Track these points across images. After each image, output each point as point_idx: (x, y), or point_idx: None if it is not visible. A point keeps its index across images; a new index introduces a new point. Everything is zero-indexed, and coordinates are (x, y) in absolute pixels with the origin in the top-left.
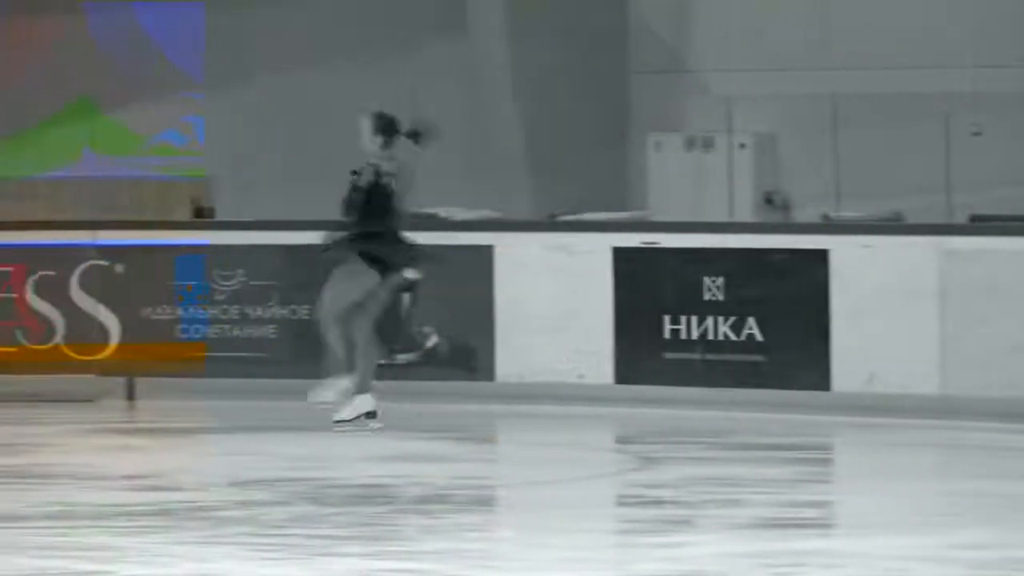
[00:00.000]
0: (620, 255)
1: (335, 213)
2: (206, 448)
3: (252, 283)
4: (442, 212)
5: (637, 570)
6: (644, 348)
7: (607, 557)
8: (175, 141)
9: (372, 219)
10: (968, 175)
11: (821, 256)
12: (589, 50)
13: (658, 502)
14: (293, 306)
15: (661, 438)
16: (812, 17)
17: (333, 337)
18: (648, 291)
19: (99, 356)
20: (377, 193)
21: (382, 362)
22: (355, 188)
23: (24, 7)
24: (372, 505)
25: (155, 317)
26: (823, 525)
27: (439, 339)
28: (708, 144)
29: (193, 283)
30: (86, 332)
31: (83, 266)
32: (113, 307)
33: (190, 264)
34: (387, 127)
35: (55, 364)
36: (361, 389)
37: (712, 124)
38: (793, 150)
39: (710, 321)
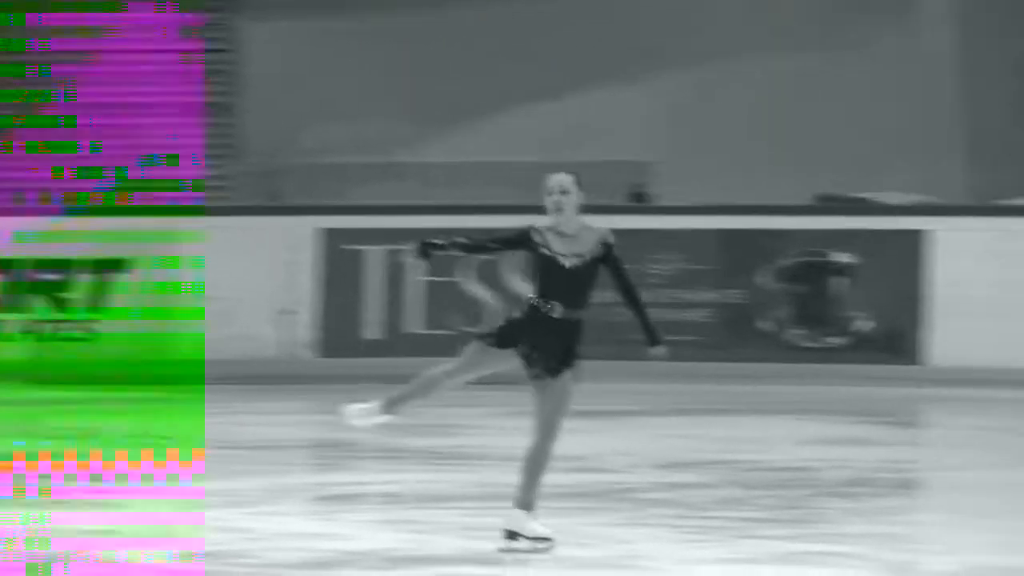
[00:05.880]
0: None
1: (774, 197)
2: (636, 430)
3: (688, 267)
4: (875, 197)
5: None
6: None
7: None
8: None
9: None
10: None
11: None
12: None
13: None
14: (725, 291)
15: None
16: None
17: None
18: None
19: None
20: None
21: (811, 345)
22: None
23: None
24: (797, 488)
25: None
26: None
27: (869, 322)
28: None
29: None
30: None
31: None
32: None
33: None
34: None
35: None
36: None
37: None
38: None
39: None
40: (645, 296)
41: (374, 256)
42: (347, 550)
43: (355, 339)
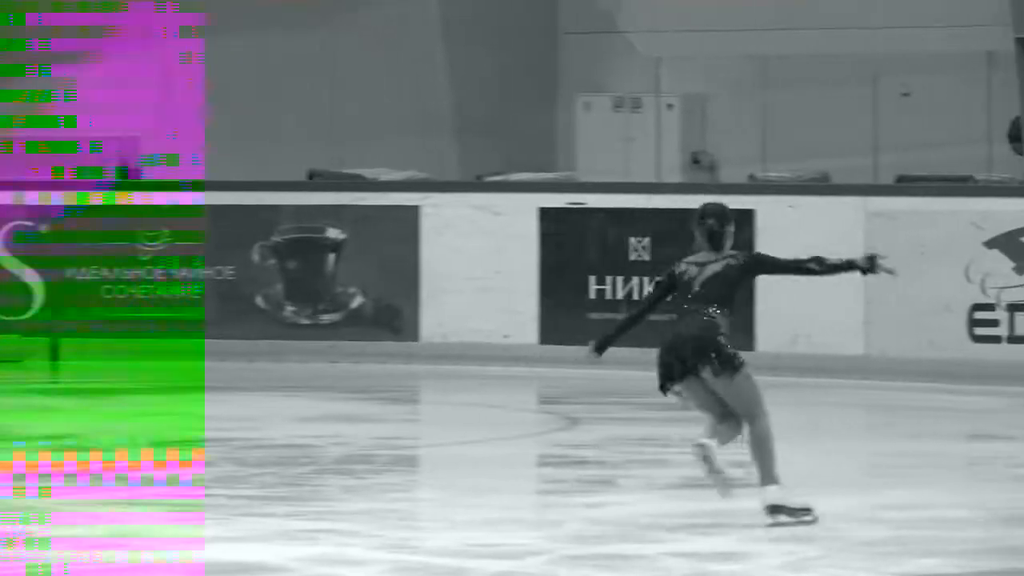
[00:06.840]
0: (546, 215)
1: (258, 174)
2: (128, 409)
3: (178, 244)
4: (368, 173)
5: (561, 530)
6: (569, 308)
7: (530, 517)
8: None
9: None
10: (895, 136)
11: (747, 216)
12: (519, 10)
13: (582, 462)
14: (218, 267)
15: (585, 398)
16: None
17: None
18: (574, 251)
19: (24, 317)
20: None
21: (306, 322)
22: None
23: None
24: (295, 466)
25: (80, 279)
26: (747, 485)
27: (364, 299)
28: (636, 105)
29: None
30: (11, 293)
31: (8, 227)
32: (38, 268)
33: None
34: None
35: None
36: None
37: (640, 85)
38: (721, 111)
39: (636, 281)
40: (135, 272)
41: None
42: None
43: None
